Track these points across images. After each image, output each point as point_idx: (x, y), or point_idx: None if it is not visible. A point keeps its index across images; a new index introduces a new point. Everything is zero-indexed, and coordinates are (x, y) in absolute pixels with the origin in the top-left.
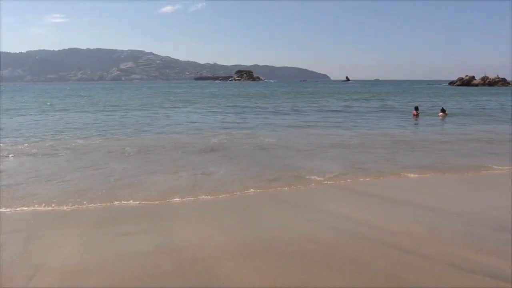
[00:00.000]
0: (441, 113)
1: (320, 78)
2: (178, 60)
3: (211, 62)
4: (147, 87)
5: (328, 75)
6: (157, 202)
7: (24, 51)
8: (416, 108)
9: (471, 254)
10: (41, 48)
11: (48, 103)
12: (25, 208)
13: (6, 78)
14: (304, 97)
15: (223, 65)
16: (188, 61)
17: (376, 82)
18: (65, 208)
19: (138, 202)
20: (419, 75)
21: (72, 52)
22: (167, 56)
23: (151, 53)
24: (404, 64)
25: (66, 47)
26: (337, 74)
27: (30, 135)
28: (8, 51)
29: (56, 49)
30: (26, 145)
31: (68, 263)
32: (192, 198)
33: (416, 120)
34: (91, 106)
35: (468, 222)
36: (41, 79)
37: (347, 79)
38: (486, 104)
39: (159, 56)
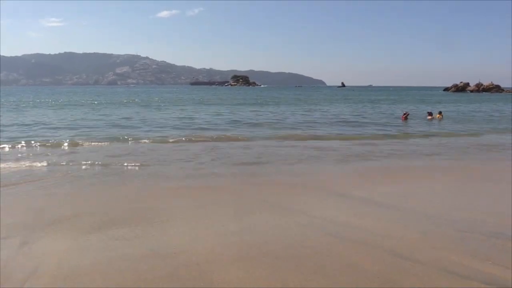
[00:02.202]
0: (429, 117)
1: (316, 84)
2: (174, 65)
3: (207, 67)
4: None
5: (324, 80)
6: (150, 205)
7: (19, 54)
8: (405, 114)
9: (466, 260)
10: (37, 52)
11: None
12: (18, 212)
13: (1, 81)
14: (299, 103)
15: (219, 70)
16: (184, 66)
17: (370, 88)
18: (57, 212)
19: (130, 206)
20: (415, 81)
21: (68, 56)
22: (163, 61)
23: (147, 58)
24: (400, 70)
25: (62, 51)
26: (332, 80)
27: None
28: (4, 55)
29: (52, 53)
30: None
31: (61, 268)
32: (186, 202)
33: (405, 124)
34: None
35: (462, 228)
36: (36, 83)
37: (343, 85)
38: (474, 110)
39: (155, 60)
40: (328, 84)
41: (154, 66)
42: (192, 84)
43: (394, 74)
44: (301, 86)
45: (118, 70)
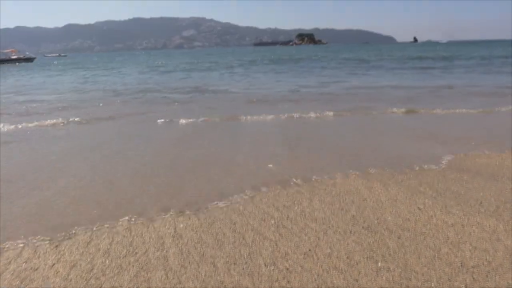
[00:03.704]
0: None
1: (385, 41)
2: (238, 26)
3: (272, 27)
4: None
5: (394, 37)
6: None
7: (92, 22)
8: None
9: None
10: (108, 19)
11: None
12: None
13: (77, 48)
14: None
15: (283, 30)
16: (248, 27)
17: (450, 44)
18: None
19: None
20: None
21: (137, 22)
22: (227, 23)
23: (211, 20)
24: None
25: (131, 17)
26: (403, 36)
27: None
28: (78, 23)
29: (122, 19)
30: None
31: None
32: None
33: None
34: None
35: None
36: (109, 49)
37: (415, 40)
38: None
39: (219, 22)
40: (398, 40)
41: (218, 28)
42: (256, 45)
43: (478, 27)
44: (368, 43)
45: (184, 34)
